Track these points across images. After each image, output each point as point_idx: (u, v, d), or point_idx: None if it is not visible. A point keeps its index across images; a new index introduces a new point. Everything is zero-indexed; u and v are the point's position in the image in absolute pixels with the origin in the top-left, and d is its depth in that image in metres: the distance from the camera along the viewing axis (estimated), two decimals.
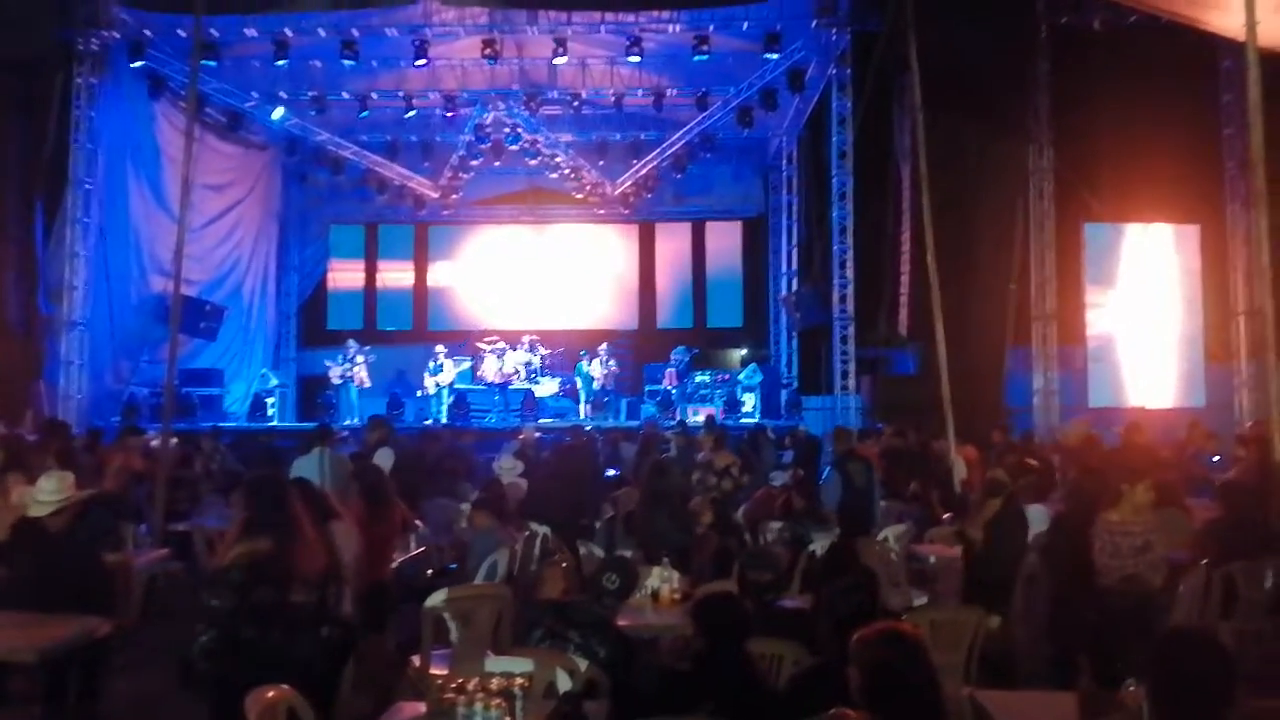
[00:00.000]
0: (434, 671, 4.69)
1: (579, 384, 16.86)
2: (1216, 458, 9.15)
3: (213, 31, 13.29)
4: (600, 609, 4.54)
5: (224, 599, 3.87)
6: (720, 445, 9.29)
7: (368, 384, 16.48)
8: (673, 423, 13.63)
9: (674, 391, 16.56)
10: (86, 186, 14.10)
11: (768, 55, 14.26)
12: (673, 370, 16.81)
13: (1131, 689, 2.72)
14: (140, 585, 6.44)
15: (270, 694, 3.66)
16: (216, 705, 3.86)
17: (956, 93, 12.42)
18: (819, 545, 6.39)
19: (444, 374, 16.50)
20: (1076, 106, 13.81)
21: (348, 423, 14.71)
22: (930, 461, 9.56)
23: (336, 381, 16.37)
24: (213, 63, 13.74)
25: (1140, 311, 14.21)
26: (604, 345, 16.99)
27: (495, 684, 3.54)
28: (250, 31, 14.06)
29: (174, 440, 9.41)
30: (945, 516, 8.00)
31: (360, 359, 16.43)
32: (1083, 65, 13.52)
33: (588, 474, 8.83)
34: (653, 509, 6.97)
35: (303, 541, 4.14)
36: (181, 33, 13.78)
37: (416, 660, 5.03)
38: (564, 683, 3.89)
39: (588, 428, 12.86)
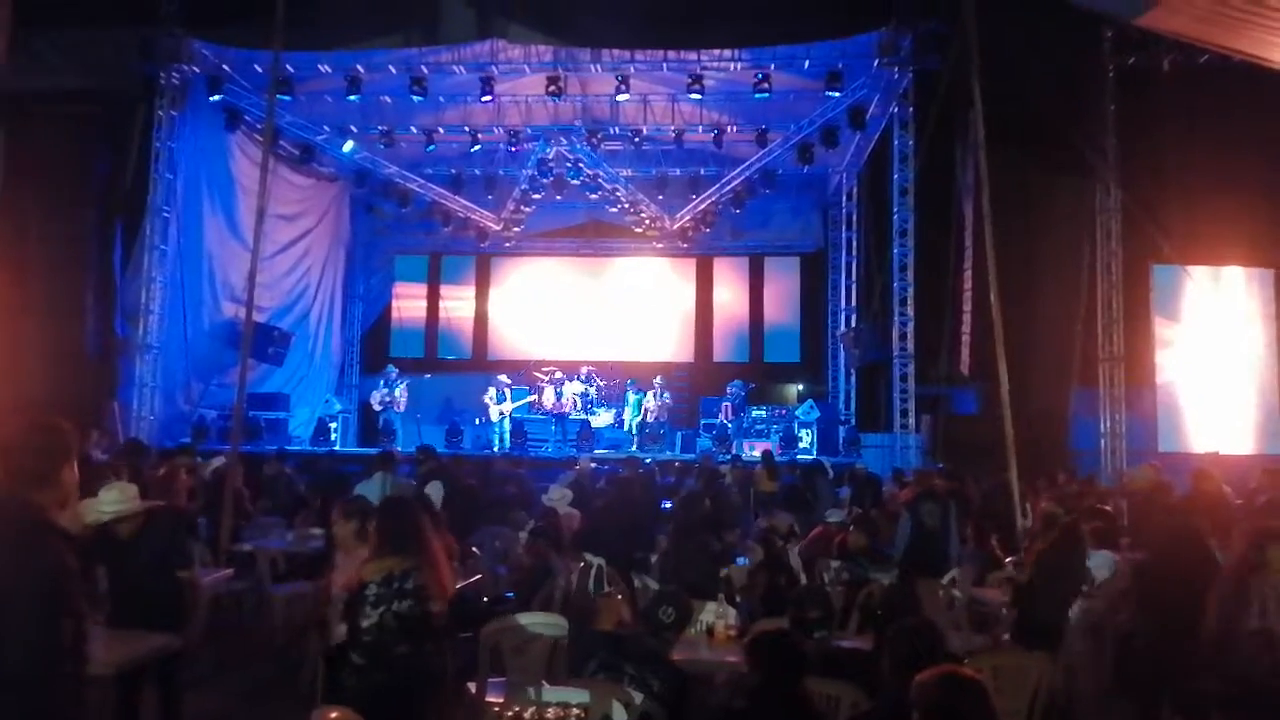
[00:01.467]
0: (490, 700, 4.72)
1: (627, 414, 16.89)
2: None
3: (288, 67, 13.75)
4: (655, 642, 4.53)
5: (368, 616, 3.99)
6: (774, 477, 9.22)
7: (402, 409, 16.74)
8: (727, 456, 13.60)
9: (730, 425, 16.52)
10: (164, 215, 14.62)
11: (829, 93, 14.30)
12: (729, 404, 16.79)
13: None
14: (205, 603, 6.57)
15: (334, 715, 3.72)
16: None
17: (1021, 131, 12.31)
18: (877, 585, 6.30)
19: (506, 403, 16.72)
20: (1145, 145, 13.60)
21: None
22: (989, 504, 9.38)
23: (377, 408, 16.67)
24: (287, 97, 14.19)
25: (1212, 355, 13.85)
26: (658, 378, 17.04)
27: (551, 714, 3.56)
28: (324, 68, 14.53)
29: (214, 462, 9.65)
30: (1008, 561, 7.83)
31: (401, 385, 16.72)
32: (1152, 105, 13.33)
33: (643, 506, 8.83)
34: (679, 542, 7.00)
35: (434, 559, 4.27)
36: (258, 68, 14.30)
37: (473, 688, 5.05)
38: (619, 715, 3.89)
39: (647, 460, 12.87)
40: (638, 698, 4.04)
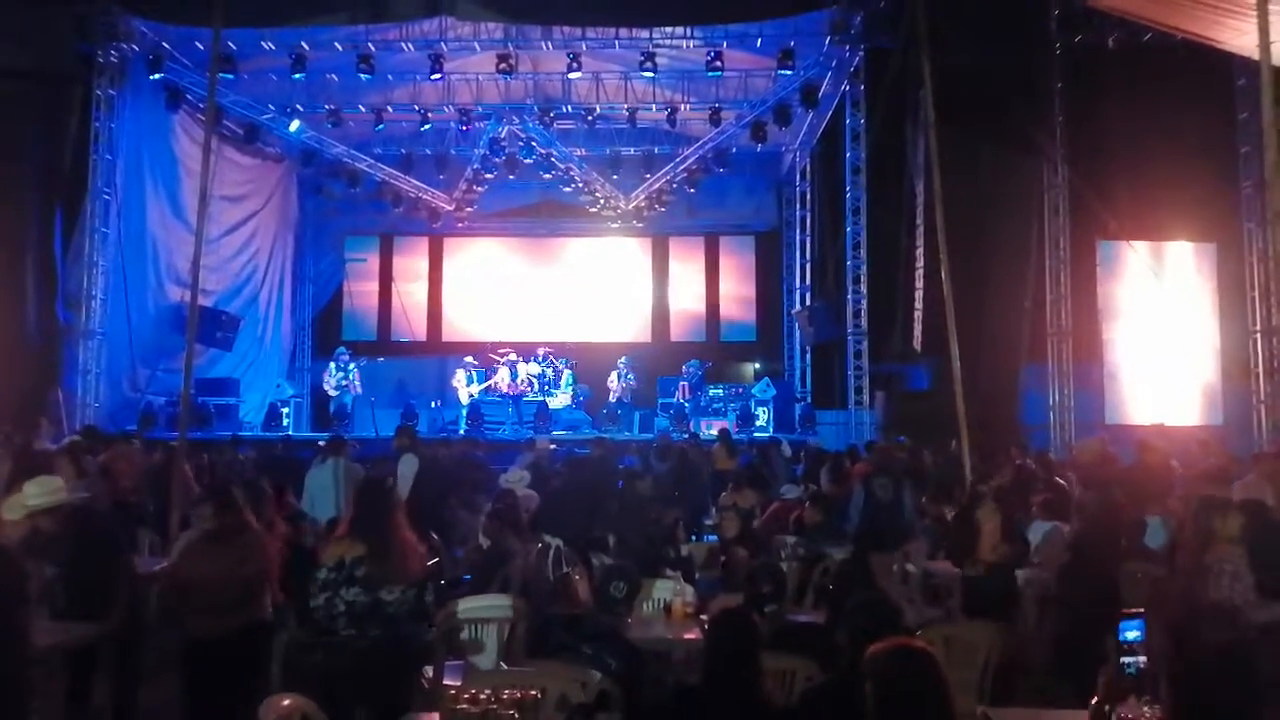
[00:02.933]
0: (447, 683, 4.70)
1: (561, 393, 16.78)
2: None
3: (230, 45, 13.41)
4: (611, 620, 4.55)
5: (315, 598, 4.11)
6: (733, 455, 9.27)
7: (356, 392, 16.57)
8: (684, 436, 13.63)
9: (687, 405, 16.56)
10: (105, 197, 14.25)
11: (781, 71, 14.31)
12: (685, 384, 16.82)
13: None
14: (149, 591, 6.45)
15: (286, 702, 3.67)
16: (322, 700, 3.97)
17: (971, 109, 12.42)
18: (832, 560, 6.37)
19: (475, 385, 16.63)
20: (1091, 124, 13.79)
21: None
22: (943, 478, 9.51)
23: (330, 392, 16.47)
24: (230, 75, 13.87)
25: (1157, 329, 14.14)
26: (623, 358, 17.04)
27: (508, 695, 3.54)
28: (267, 45, 14.21)
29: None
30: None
31: (353, 368, 16.54)
32: (1098, 82, 13.51)
33: (601, 486, 8.82)
34: (620, 519, 7.08)
35: (399, 544, 4.34)
36: (199, 45, 13.96)
37: (430, 671, 5.03)
38: (577, 695, 3.89)
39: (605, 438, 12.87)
40: (595, 676, 4.05)
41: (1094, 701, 2.72)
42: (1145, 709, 3.28)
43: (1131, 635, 2.69)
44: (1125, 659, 2.71)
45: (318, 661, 4.06)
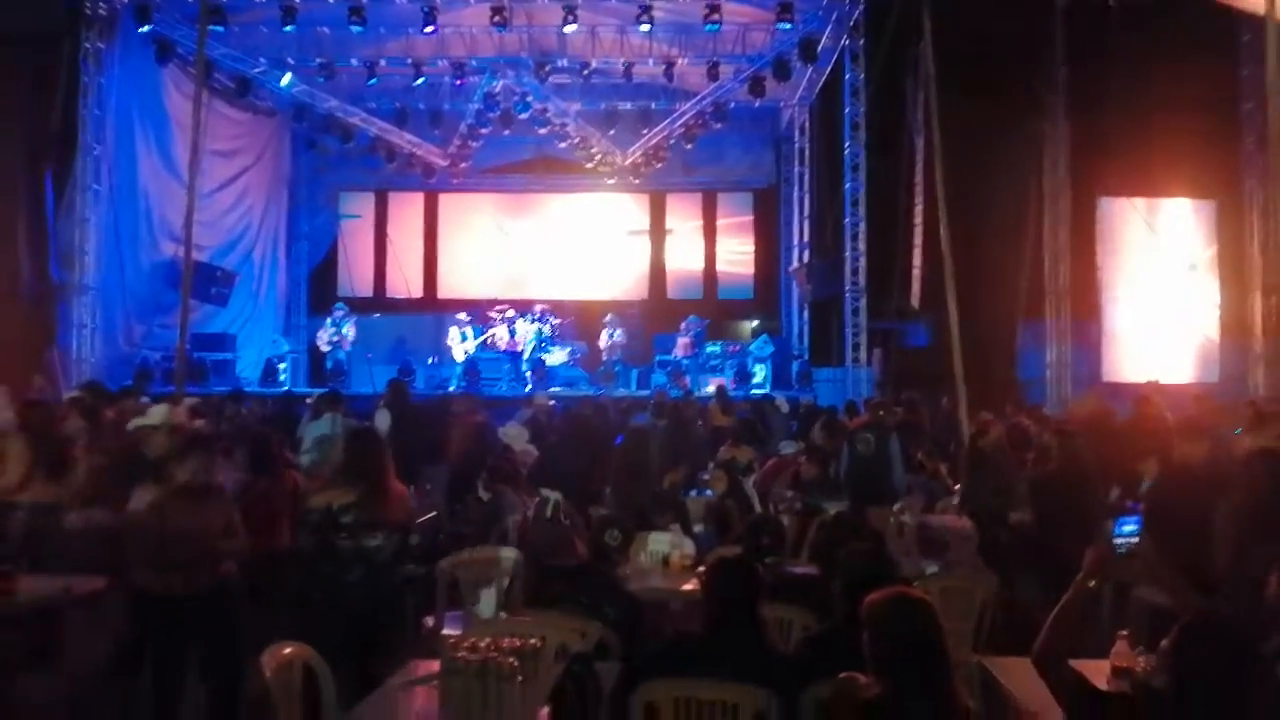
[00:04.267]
0: (447, 632, 4.75)
1: (523, 346, 16.66)
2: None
3: None
4: (608, 569, 4.60)
5: (305, 540, 4.37)
6: (729, 412, 9.29)
7: (349, 348, 16.51)
8: (680, 392, 13.64)
9: (684, 362, 16.54)
10: (95, 153, 14.07)
11: (780, 25, 14.11)
12: (687, 339, 16.75)
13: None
14: None
15: (287, 650, 3.71)
16: (311, 640, 4.11)
17: (971, 64, 12.29)
18: (828, 514, 6.40)
19: (469, 341, 16.62)
20: (1093, 79, 13.65)
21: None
22: (939, 434, 9.56)
23: (325, 348, 16.45)
24: (220, 28, 13.66)
25: (1155, 286, 14.13)
26: (609, 315, 16.97)
27: (507, 644, 3.58)
28: None
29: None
30: (956, 487, 8.01)
31: (349, 324, 16.50)
32: (1100, 38, 13.34)
33: (599, 440, 8.85)
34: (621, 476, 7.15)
35: (386, 491, 4.51)
36: None
37: (430, 621, 5.08)
38: (576, 645, 3.93)
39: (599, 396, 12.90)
40: (595, 626, 4.09)
41: (1079, 577, 2.74)
42: (1139, 657, 3.33)
43: (1127, 529, 2.71)
44: (1118, 541, 2.72)
45: (308, 600, 4.27)
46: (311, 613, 4.30)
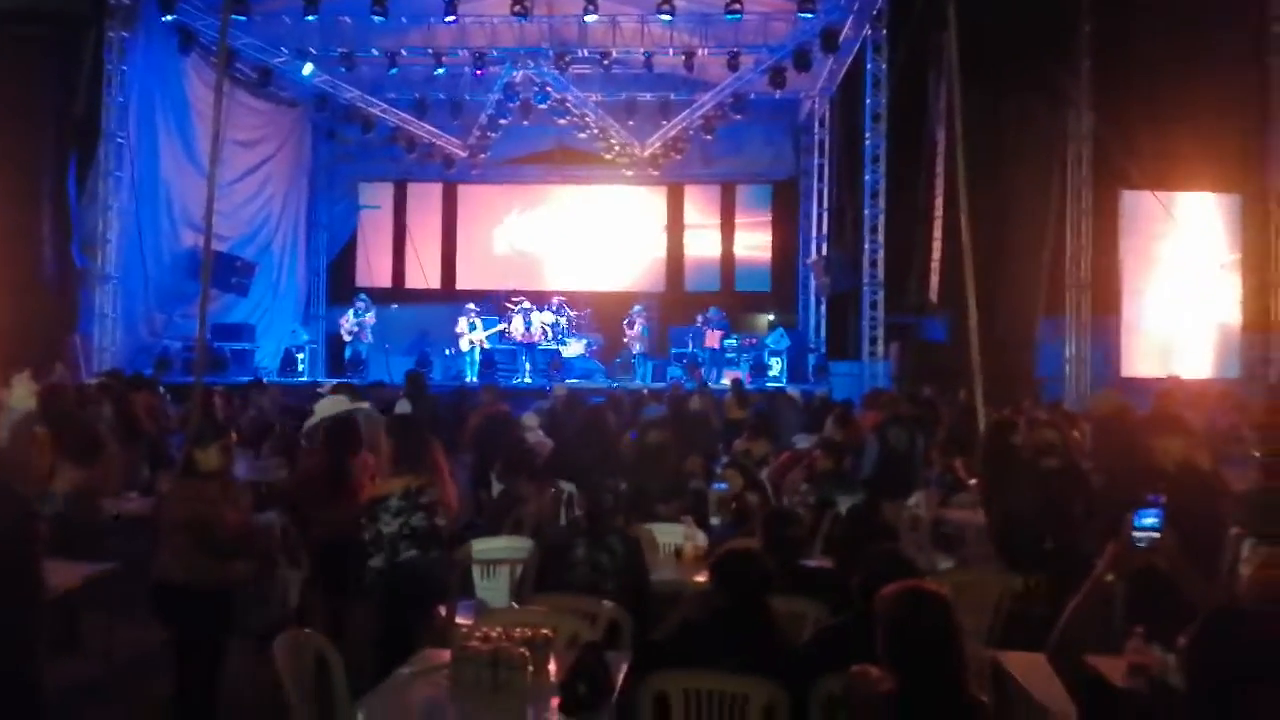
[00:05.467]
0: (459, 620, 4.76)
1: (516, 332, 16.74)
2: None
3: None
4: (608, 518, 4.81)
5: (387, 524, 4.51)
6: (744, 405, 9.26)
7: (369, 339, 16.66)
8: (693, 385, 13.61)
9: (701, 355, 16.50)
10: (119, 140, 14.19)
11: (802, 14, 14.01)
12: (718, 331, 16.65)
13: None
14: None
15: (299, 636, 3.72)
16: (387, 621, 4.43)
17: (994, 55, 12.16)
18: (843, 508, 6.37)
19: (477, 332, 16.65)
20: (1118, 71, 13.49)
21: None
22: (955, 429, 9.48)
23: (346, 338, 16.54)
24: (243, 18, 13.69)
25: (1177, 281, 13.97)
26: (637, 306, 16.97)
27: (519, 633, 3.59)
28: None
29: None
30: (971, 483, 7.95)
31: (369, 314, 16.58)
32: (1125, 30, 13.18)
33: (614, 432, 8.86)
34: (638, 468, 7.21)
35: (442, 476, 4.83)
36: None
37: (443, 610, 5.09)
38: (586, 633, 3.94)
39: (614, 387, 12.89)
40: (604, 606, 4.17)
41: (1097, 570, 2.69)
42: (1155, 651, 3.29)
43: (1149, 521, 2.66)
44: (1137, 534, 2.67)
45: (392, 582, 4.48)
46: (393, 593, 4.51)
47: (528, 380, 15.92)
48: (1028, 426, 7.60)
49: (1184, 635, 2.40)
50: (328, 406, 6.36)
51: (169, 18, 14.16)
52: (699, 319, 16.91)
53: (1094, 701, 2.79)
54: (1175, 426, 5.28)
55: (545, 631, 3.67)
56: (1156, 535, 2.63)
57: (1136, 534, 2.64)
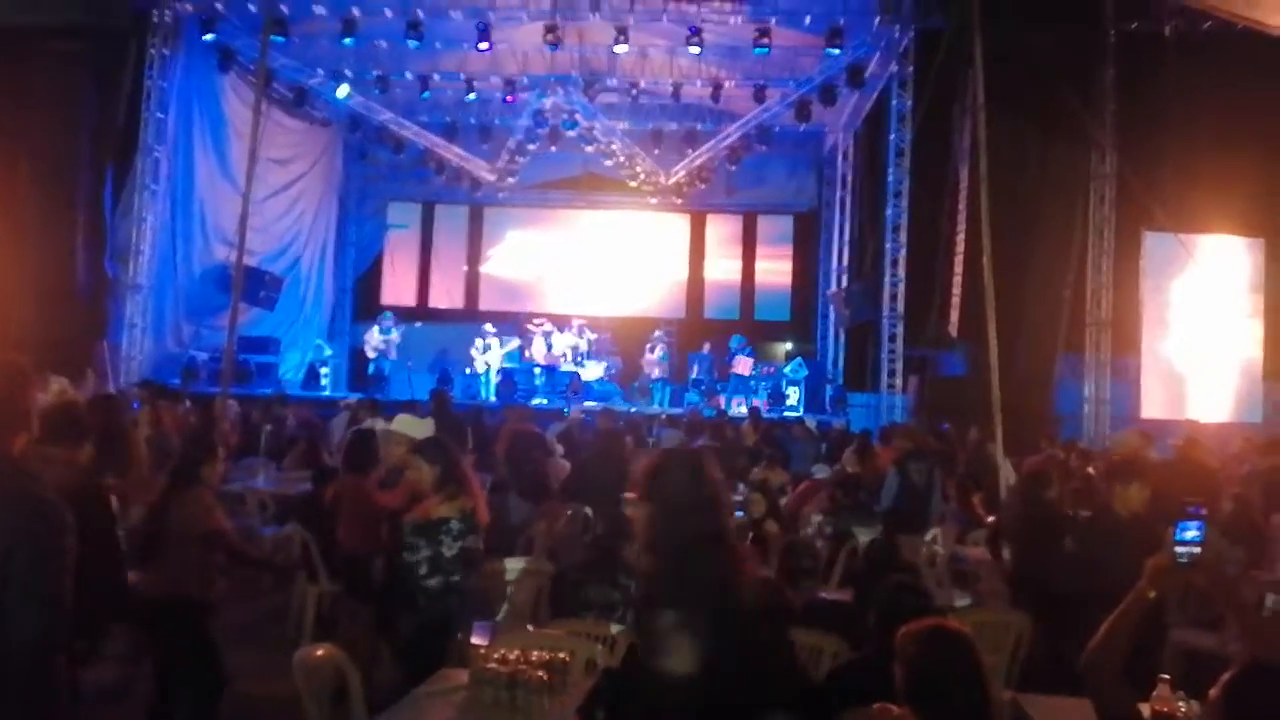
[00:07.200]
0: (475, 642, 4.81)
1: (538, 354, 16.80)
2: None
3: (282, 8, 13.54)
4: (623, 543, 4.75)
5: (449, 548, 4.47)
6: (756, 429, 9.29)
7: (393, 356, 16.81)
8: (713, 411, 13.67)
9: (719, 384, 16.55)
10: (156, 154, 14.46)
11: (829, 50, 14.15)
12: (749, 358, 16.69)
13: None
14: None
15: (319, 653, 3.80)
16: (433, 640, 4.42)
17: (1019, 94, 12.24)
18: (861, 541, 6.40)
19: (492, 353, 16.77)
20: (1143, 112, 13.52)
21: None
22: (973, 464, 9.48)
23: (371, 354, 16.70)
24: (281, 39, 13.96)
25: (1199, 323, 13.92)
26: (657, 331, 17.05)
27: (536, 656, 3.63)
28: (319, 9, 14.28)
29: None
30: (989, 520, 7.96)
31: (395, 332, 16.75)
32: (1151, 71, 13.22)
33: (627, 455, 8.90)
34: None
35: (480, 498, 4.77)
36: (252, 8, 14.08)
37: (460, 633, 5.14)
38: (602, 659, 3.98)
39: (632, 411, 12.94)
40: (612, 628, 4.24)
41: (1139, 585, 2.65)
42: (1180, 703, 3.29)
43: (1190, 535, 2.64)
44: (1179, 549, 2.64)
45: (450, 605, 4.50)
46: (446, 615, 4.54)
47: (545, 402, 16.00)
48: (1061, 476, 7.55)
49: (1215, 688, 2.35)
50: (408, 425, 6.24)
51: (209, 37, 14.47)
52: (731, 349, 16.88)
53: None
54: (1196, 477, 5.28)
55: (562, 655, 3.71)
56: (1197, 550, 2.60)
57: (1178, 549, 2.62)
